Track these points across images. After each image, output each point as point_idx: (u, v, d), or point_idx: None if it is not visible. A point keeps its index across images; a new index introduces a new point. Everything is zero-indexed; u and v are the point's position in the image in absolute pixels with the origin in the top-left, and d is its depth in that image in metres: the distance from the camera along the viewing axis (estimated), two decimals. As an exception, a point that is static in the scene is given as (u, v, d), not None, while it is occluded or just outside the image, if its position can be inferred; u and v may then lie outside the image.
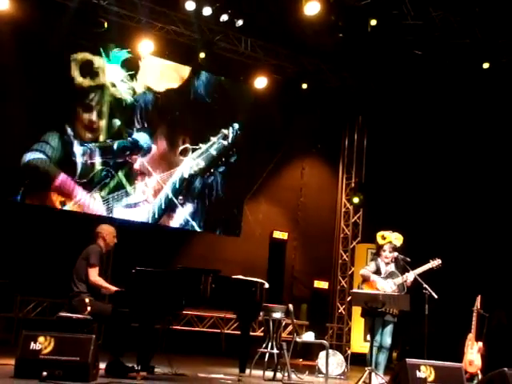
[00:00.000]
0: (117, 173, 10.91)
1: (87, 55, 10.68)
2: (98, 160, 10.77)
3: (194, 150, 11.67)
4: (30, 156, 10.20)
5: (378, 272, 7.33)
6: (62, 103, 10.53)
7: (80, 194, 10.56)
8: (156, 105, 11.44)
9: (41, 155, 10.26)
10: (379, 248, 7.47)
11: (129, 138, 11.09)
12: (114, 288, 6.43)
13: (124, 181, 10.97)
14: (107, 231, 6.77)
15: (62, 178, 10.40)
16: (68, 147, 10.49)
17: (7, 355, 6.45)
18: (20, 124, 10.21)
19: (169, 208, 11.35)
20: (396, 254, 7.36)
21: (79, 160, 10.57)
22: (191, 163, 11.62)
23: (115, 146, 10.96)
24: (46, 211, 10.37)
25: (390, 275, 7.31)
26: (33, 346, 5.41)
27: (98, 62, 10.80)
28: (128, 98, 11.12)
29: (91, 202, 10.67)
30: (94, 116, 10.82)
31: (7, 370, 5.59)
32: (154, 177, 11.20)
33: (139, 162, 11.10)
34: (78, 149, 10.58)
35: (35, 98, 10.33)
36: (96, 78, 10.78)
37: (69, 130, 10.53)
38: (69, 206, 10.49)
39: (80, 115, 10.71)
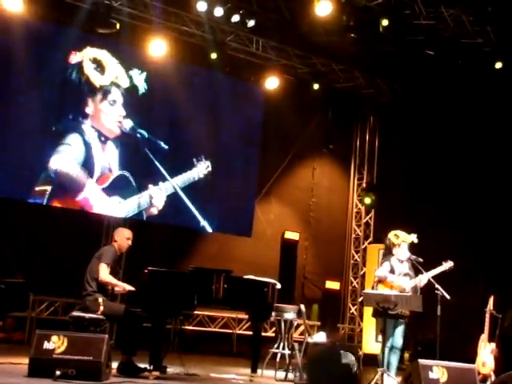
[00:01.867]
0: (133, 175, 10.95)
1: (96, 51, 10.65)
2: (116, 162, 10.82)
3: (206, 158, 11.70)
4: (58, 160, 10.20)
5: (392, 272, 7.30)
6: (81, 102, 10.55)
7: (100, 199, 10.59)
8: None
9: (69, 160, 10.27)
10: (392, 247, 7.43)
11: (143, 135, 11.09)
12: (127, 287, 6.44)
13: (139, 185, 11.00)
14: (120, 233, 6.85)
15: (88, 185, 10.42)
16: (89, 149, 10.51)
17: (21, 354, 6.50)
18: (41, 126, 10.25)
19: (180, 208, 11.36)
20: (409, 254, 7.34)
21: (99, 163, 10.60)
22: (203, 167, 11.62)
23: (133, 146, 11.01)
24: (63, 212, 10.41)
25: (405, 276, 7.29)
26: (46, 345, 5.46)
27: (106, 56, 10.79)
28: (141, 90, 11.14)
29: (109, 207, 10.72)
30: (118, 111, 10.84)
31: (21, 369, 5.64)
32: (166, 178, 11.20)
33: (152, 163, 11.11)
34: (98, 150, 10.62)
35: (53, 99, 10.37)
36: (110, 74, 10.77)
37: (89, 130, 10.56)
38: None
39: (102, 113, 10.73)
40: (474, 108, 11.81)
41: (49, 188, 10.14)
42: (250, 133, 12.44)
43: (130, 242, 6.86)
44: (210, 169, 11.67)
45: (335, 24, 10.51)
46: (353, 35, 10.69)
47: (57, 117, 10.41)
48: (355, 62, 12.35)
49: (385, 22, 9.90)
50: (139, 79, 11.06)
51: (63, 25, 10.39)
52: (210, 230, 11.64)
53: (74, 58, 10.45)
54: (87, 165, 10.48)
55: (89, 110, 10.58)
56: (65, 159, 10.26)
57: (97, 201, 10.53)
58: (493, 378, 8.36)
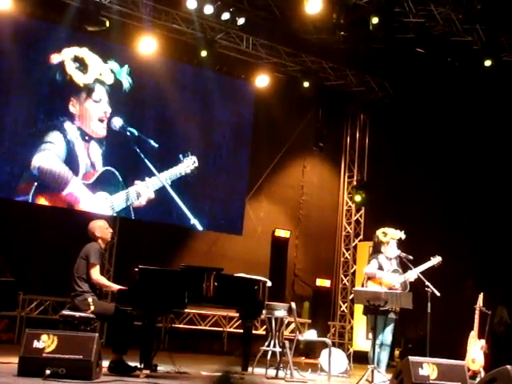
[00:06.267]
0: (119, 172, 10.90)
1: (76, 50, 10.55)
2: (100, 160, 10.76)
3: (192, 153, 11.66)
4: (41, 158, 10.16)
5: (380, 269, 7.33)
6: (65, 102, 10.48)
7: (86, 195, 10.54)
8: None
9: (52, 157, 10.23)
10: (381, 245, 7.45)
11: (133, 133, 11.04)
12: (116, 287, 6.44)
13: (125, 180, 10.95)
14: (99, 227, 6.67)
15: (73, 181, 10.38)
16: (71, 147, 10.45)
17: (10, 354, 6.47)
18: (25, 126, 10.20)
19: (171, 206, 11.34)
20: (399, 251, 7.36)
21: (82, 161, 10.55)
22: (189, 162, 11.59)
23: (119, 143, 10.96)
24: (50, 210, 10.36)
25: (393, 272, 7.32)
26: (36, 344, 5.42)
27: (88, 54, 10.69)
28: (125, 85, 11.08)
29: (96, 202, 10.66)
30: (102, 110, 10.78)
31: (11, 369, 5.60)
32: (154, 175, 11.16)
33: (140, 159, 11.07)
34: (81, 149, 10.56)
35: (38, 98, 10.32)
36: (92, 72, 10.70)
37: (72, 129, 10.50)
38: (76, 206, 10.50)
39: (88, 111, 10.68)
40: (463, 105, 11.86)
41: (33, 185, 10.09)
42: (241, 130, 12.44)
43: (111, 230, 6.81)
44: (196, 164, 11.63)
45: (325, 22, 10.53)
46: (343, 33, 10.72)
47: (41, 116, 10.34)
48: (345, 59, 12.36)
49: (375, 20, 9.89)
50: (122, 73, 10.99)
51: (52, 23, 10.33)
52: (200, 227, 11.63)
53: (55, 58, 10.34)
54: (70, 162, 10.43)
55: (73, 109, 10.51)
56: (47, 156, 10.21)
57: (82, 195, 10.49)
58: (482, 374, 8.42)
